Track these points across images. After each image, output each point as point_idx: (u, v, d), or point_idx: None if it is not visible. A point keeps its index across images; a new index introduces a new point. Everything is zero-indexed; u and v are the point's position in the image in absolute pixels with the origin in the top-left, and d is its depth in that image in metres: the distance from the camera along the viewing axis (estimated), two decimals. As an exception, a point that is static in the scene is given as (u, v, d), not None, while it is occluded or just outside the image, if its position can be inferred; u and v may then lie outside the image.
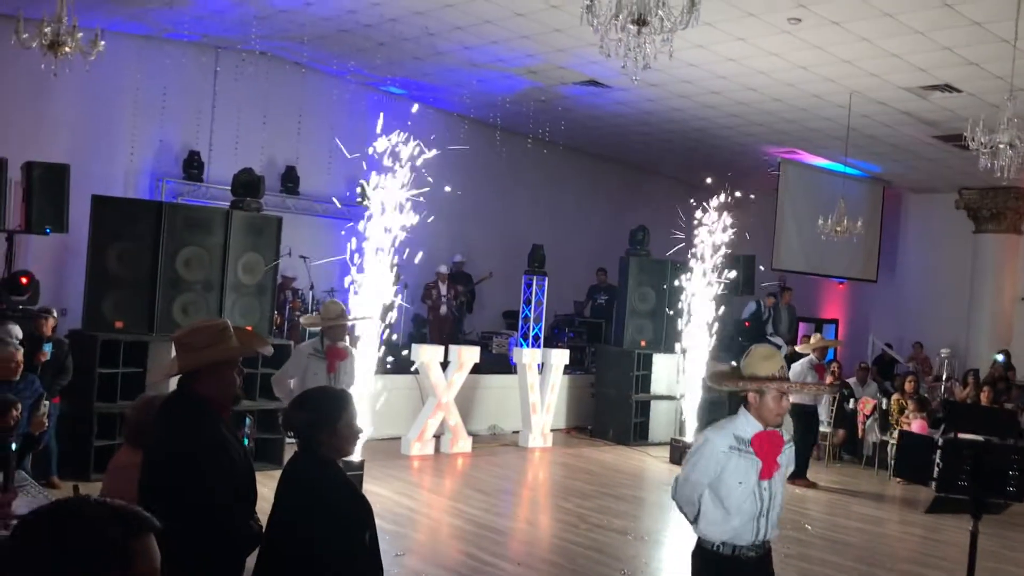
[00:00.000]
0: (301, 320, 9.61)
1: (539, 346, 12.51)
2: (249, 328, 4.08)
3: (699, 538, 3.84)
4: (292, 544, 3.16)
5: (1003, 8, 8.15)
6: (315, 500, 3.25)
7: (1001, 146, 8.22)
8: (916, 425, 11.00)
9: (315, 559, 3.12)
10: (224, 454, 3.13)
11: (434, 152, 8.65)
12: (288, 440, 8.67)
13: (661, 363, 12.66)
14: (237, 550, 3.22)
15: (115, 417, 8.01)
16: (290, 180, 13.67)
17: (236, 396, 3.41)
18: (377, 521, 3.40)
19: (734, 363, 3.99)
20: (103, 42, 7.20)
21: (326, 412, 3.34)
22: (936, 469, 4.32)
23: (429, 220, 8.98)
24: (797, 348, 11.51)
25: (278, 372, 7.61)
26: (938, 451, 4.29)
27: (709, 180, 10.92)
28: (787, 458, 3.85)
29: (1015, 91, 8.59)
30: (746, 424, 3.75)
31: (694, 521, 3.86)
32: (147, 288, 8.55)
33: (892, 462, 11.30)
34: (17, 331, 7.33)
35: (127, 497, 3.50)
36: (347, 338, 7.71)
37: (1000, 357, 14.24)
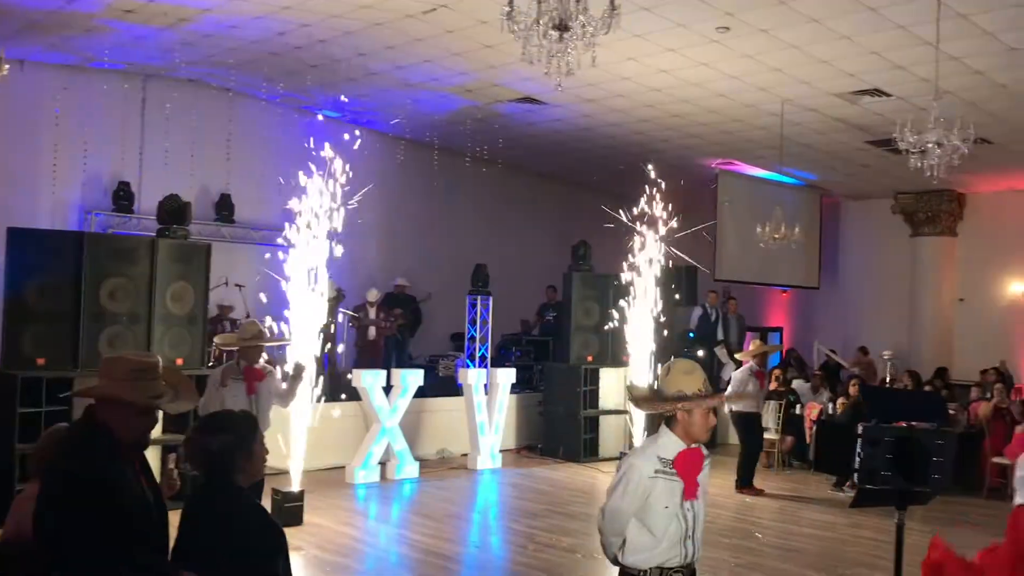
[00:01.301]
0: (215, 339, 9.26)
1: (486, 366, 12.33)
2: (188, 378, 3.82)
3: (624, 567, 3.64)
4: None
5: (924, 11, 8.25)
6: (229, 530, 3.09)
7: (929, 146, 8.31)
8: (862, 428, 11.02)
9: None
10: (116, 486, 2.93)
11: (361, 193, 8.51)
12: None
13: (608, 377, 12.57)
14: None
15: (39, 458, 7.65)
16: (225, 208, 13.39)
17: (139, 443, 3.24)
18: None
19: (651, 383, 3.86)
20: (7, 66, 6.94)
21: (243, 434, 3.21)
22: (857, 460, 4.18)
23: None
24: (738, 356, 11.48)
25: (199, 408, 7.25)
26: (858, 440, 4.16)
27: (651, 194, 10.86)
28: (706, 476, 3.73)
29: (941, 92, 8.72)
30: (669, 443, 3.61)
31: (615, 553, 3.66)
32: (70, 322, 8.21)
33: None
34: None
35: (28, 527, 3.30)
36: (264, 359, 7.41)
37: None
